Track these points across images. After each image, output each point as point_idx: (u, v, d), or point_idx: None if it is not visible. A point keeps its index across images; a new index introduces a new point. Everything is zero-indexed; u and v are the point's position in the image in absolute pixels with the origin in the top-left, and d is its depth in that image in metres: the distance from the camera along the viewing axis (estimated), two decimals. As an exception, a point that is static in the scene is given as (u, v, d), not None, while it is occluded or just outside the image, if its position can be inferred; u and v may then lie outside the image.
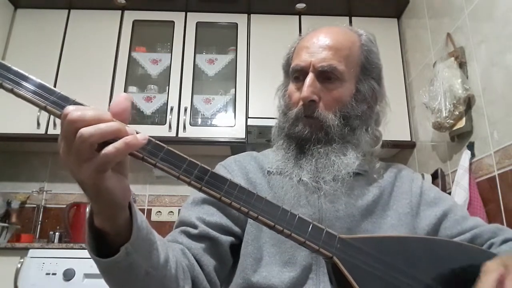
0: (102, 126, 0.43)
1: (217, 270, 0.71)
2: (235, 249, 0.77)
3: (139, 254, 0.52)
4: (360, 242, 0.56)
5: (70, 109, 0.44)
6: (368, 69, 0.80)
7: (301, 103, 0.77)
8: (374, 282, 0.54)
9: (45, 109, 0.47)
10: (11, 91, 0.47)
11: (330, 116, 0.75)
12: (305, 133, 0.75)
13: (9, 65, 0.48)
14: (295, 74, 0.80)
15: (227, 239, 0.74)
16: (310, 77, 0.76)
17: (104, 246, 0.52)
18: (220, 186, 0.50)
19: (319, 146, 0.75)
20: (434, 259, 0.60)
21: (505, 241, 0.72)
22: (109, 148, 0.43)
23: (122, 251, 0.50)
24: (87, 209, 0.52)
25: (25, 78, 0.48)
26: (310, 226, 0.52)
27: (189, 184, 0.49)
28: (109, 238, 0.51)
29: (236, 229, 0.76)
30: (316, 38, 0.80)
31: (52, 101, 0.47)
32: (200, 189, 0.50)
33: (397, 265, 0.56)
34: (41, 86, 0.48)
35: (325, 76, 0.76)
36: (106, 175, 0.45)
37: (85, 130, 0.42)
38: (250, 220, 0.76)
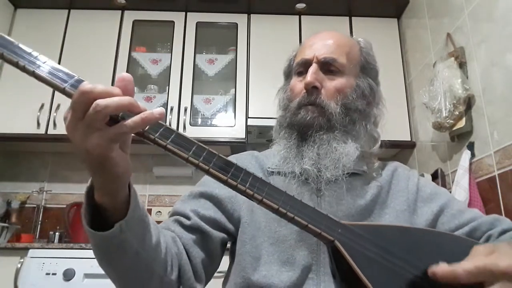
0: (116, 98, 0.45)
1: (204, 264, 0.72)
2: (226, 247, 0.78)
3: (132, 233, 0.53)
4: (361, 229, 0.57)
5: (82, 83, 0.46)
6: (366, 68, 0.84)
7: (303, 91, 0.79)
8: (375, 266, 0.55)
9: (63, 91, 0.48)
10: (32, 73, 0.48)
11: (332, 104, 0.77)
12: (307, 119, 0.77)
13: (30, 50, 0.50)
14: (299, 69, 0.83)
15: (218, 234, 0.74)
16: (313, 66, 0.79)
17: (99, 221, 0.53)
18: (226, 169, 0.51)
19: (321, 133, 0.76)
20: (434, 249, 0.60)
21: (502, 232, 0.72)
22: (128, 121, 0.45)
23: (116, 227, 0.51)
24: (88, 183, 0.52)
25: (44, 61, 0.49)
26: (313, 211, 0.54)
27: (197, 166, 0.50)
28: (106, 214, 0.52)
29: (230, 226, 0.77)
30: (319, 37, 0.84)
31: (71, 84, 0.48)
32: (207, 172, 0.51)
33: (397, 253, 0.57)
34: (59, 70, 0.50)
35: (328, 68, 0.80)
36: (115, 146, 0.47)
37: (100, 101, 0.44)
38: (246, 219, 0.76)
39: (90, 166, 0.48)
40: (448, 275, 0.51)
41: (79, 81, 0.48)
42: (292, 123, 0.79)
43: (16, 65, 0.48)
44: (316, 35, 0.85)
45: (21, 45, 0.50)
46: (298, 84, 0.82)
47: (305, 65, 0.81)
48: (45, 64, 0.49)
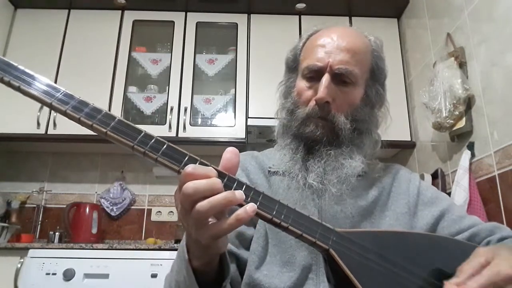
0: (215, 202, 0.46)
1: (240, 281, 0.73)
2: None
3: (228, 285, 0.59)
4: (357, 236, 0.57)
5: (186, 175, 0.46)
6: (376, 74, 0.81)
7: (313, 103, 0.75)
8: (371, 274, 0.55)
9: (51, 106, 0.49)
10: (17, 88, 0.48)
11: (342, 119, 0.75)
12: (316, 134, 0.75)
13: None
14: (309, 73, 0.78)
15: (245, 253, 0.74)
16: (326, 78, 0.75)
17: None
18: None
19: (329, 148, 0.74)
20: (431, 254, 0.60)
21: (501, 239, 0.73)
22: (227, 222, 0.47)
23: None
24: (183, 247, 0.58)
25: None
26: (307, 220, 0.53)
27: None
28: (197, 271, 0.56)
29: (250, 232, 0.76)
30: (332, 37, 0.78)
31: (58, 98, 0.48)
32: None
33: (395, 259, 0.57)
34: (46, 84, 0.49)
35: (341, 78, 0.76)
36: (219, 239, 0.50)
37: (201, 207, 0.46)
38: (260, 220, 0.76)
39: (195, 245, 0.53)
40: None
41: (66, 95, 0.49)
42: (300, 134, 0.76)
43: (1, 80, 0.49)
44: (327, 32, 0.80)
45: (5, 59, 0.49)
46: (306, 91, 0.78)
47: (317, 72, 0.76)
48: (31, 79, 0.49)
